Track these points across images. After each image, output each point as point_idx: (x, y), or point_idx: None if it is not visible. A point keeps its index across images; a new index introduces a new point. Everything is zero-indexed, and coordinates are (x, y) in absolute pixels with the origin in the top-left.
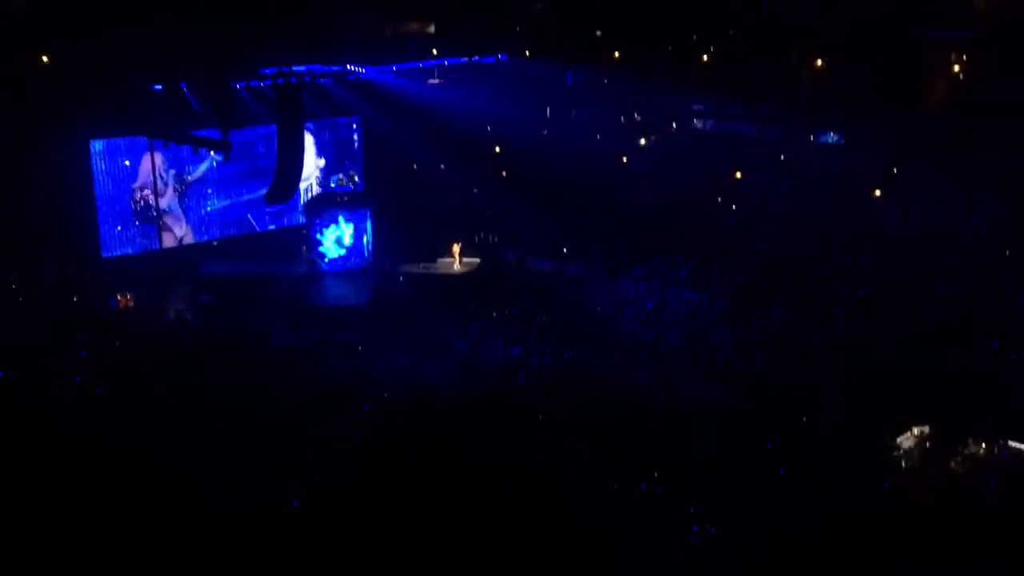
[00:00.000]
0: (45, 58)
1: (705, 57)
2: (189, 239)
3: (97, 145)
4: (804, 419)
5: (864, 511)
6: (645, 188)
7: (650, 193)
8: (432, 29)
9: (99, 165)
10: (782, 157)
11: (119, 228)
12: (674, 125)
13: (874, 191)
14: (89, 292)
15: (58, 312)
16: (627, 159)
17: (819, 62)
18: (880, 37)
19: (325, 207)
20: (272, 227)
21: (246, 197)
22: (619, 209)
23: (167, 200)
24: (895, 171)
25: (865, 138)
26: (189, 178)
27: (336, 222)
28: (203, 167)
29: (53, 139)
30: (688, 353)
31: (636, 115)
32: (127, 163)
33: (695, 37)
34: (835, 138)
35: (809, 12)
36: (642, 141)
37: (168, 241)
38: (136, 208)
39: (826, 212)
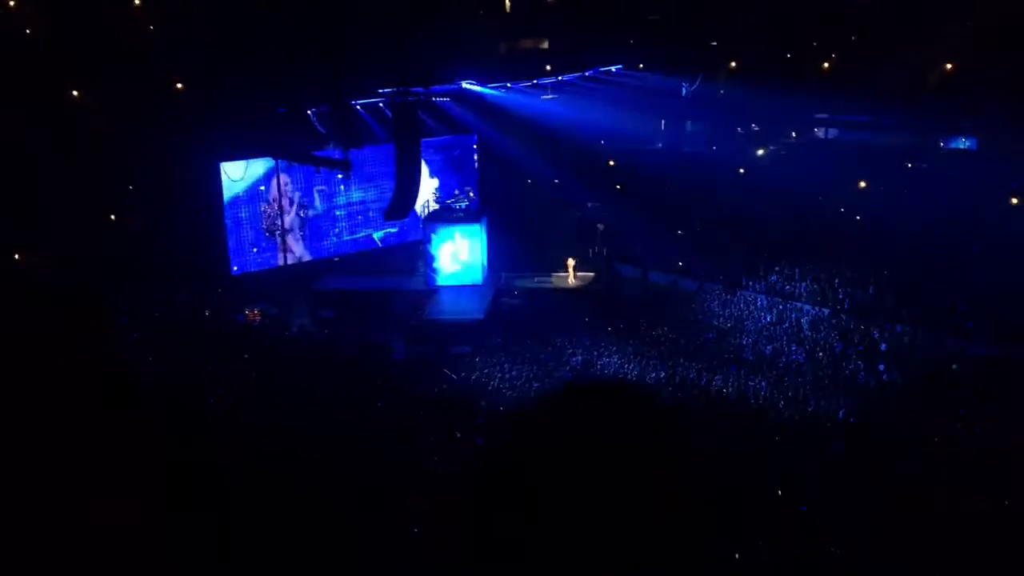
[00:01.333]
0: (180, 85)
1: (826, 64)
2: (311, 256)
3: (228, 167)
4: (933, 435)
5: (1001, 527)
6: (764, 199)
7: (769, 204)
8: (546, 45)
9: (230, 186)
10: (909, 165)
11: (248, 247)
12: (794, 134)
13: (1011, 199)
14: (220, 308)
15: (192, 327)
16: (745, 170)
17: (948, 64)
18: (1011, 34)
19: (441, 223)
20: (391, 243)
21: (366, 214)
22: (737, 221)
23: (291, 219)
24: None
25: (1000, 142)
26: (316, 201)
27: (452, 237)
28: (324, 186)
29: (186, 162)
30: (809, 367)
31: (754, 125)
32: (261, 188)
33: (815, 43)
34: (967, 143)
35: (935, 11)
36: (760, 151)
37: (292, 259)
38: (263, 228)
39: (958, 222)
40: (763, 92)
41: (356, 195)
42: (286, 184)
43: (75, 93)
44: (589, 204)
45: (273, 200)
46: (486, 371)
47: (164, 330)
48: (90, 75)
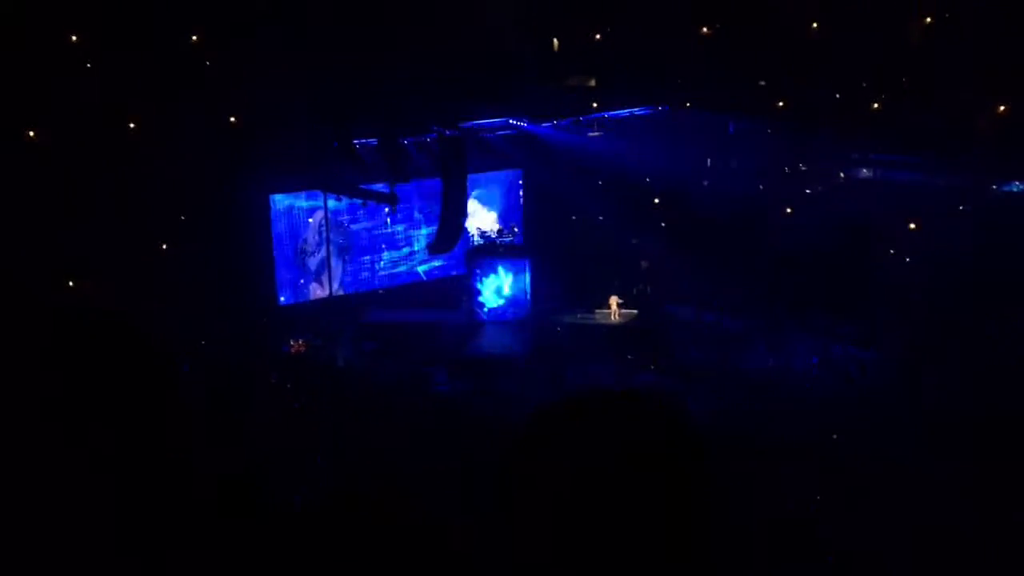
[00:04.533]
0: (234, 119)
1: (876, 104)
2: (355, 289)
3: (278, 199)
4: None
5: None
6: (811, 239)
7: (816, 244)
8: (592, 83)
9: (279, 218)
10: (961, 208)
11: (296, 278)
12: (842, 175)
13: None
14: (266, 338)
15: (236, 356)
16: (791, 209)
17: (1001, 107)
18: None
19: (485, 257)
20: (435, 277)
21: (411, 248)
22: (783, 261)
23: (337, 252)
24: None
25: None
26: (361, 234)
27: (496, 272)
28: (369, 220)
29: (239, 194)
30: (857, 411)
31: (800, 164)
32: (309, 220)
33: (864, 84)
34: (1021, 187)
35: (989, 52)
36: (807, 191)
37: (336, 289)
38: (309, 260)
39: (1011, 266)
40: (810, 131)
41: (401, 229)
42: (333, 217)
43: (132, 125)
44: (633, 241)
45: (319, 232)
46: (527, 407)
47: (211, 359)
48: (149, 108)
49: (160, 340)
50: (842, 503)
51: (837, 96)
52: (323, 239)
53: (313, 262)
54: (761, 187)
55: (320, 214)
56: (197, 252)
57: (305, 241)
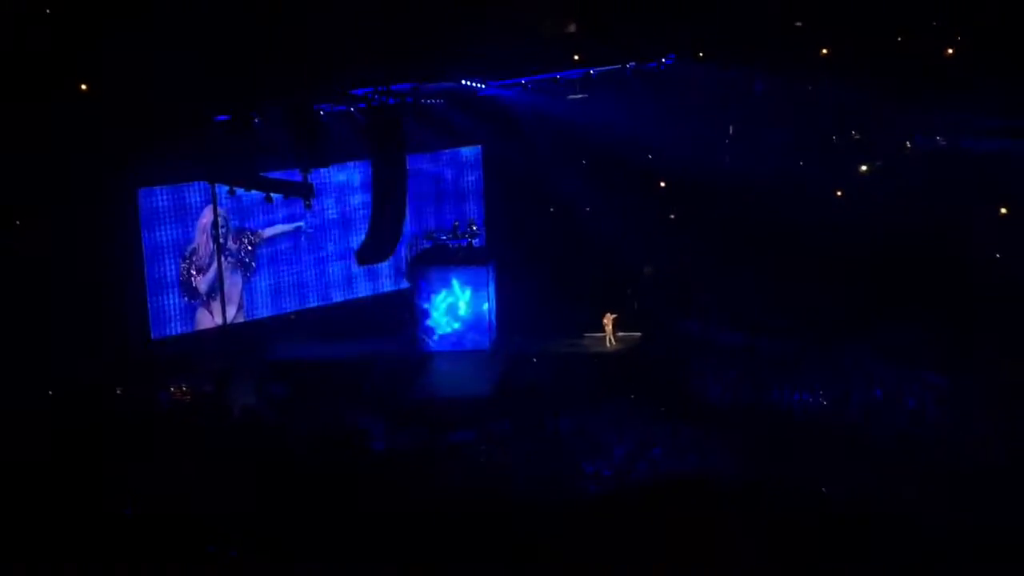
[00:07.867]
0: (83, 86)
1: (950, 49)
2: (260, 311)
3: (147, 196)
4: None
5: None
6: (869, 231)
7: (876, 238)
8: (573, 28)
9: (150, 220)
10: None
11: (173, 302)
12: (908, 144)
13: None
14: (135, 384)
15: (98, 412)
16: (843, 193)
17: None
18: None
19: (434, 266)
20: (366, 295)
21: (334, 256)
22: (833, 260)
23: (233, 263)
24: None
25: None
26: (263, 233)
27: (449, 286)
28: (277, 219)
29: (92, 189)
30: (939, 462)
31: (853, 132)
32: (203, 221)
33: (934, 23)
34: None
35: None
36: (863, 168)
37: (233, 315)
38: (193, 275)
39: None
40: (865, 88)
41: (320, 231)
42: (224, 218)
43: None
44: (632, 239)
45: (208, 239)
46: (496, 468)
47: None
48: None
49: None
50: None
51: (898, 40)
52: (214, 248)
53: (201, 280)
54: (801, 164)
55: (210, 214)
56: (34, 270)
57: (190, 253)
